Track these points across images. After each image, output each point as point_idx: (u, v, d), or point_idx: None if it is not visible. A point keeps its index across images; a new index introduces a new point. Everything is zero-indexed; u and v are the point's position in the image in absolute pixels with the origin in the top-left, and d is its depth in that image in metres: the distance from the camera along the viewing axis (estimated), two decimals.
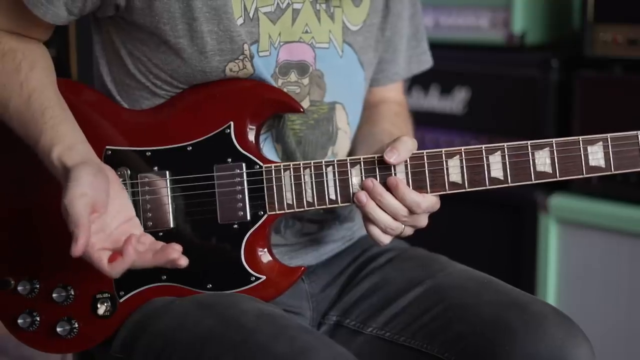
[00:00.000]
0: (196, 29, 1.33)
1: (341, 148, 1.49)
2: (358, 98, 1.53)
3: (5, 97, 1.33)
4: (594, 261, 2.39)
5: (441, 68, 2.59)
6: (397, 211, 1.32)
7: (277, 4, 1.38)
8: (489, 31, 2.59)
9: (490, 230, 2.59)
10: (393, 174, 1.33)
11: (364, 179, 1.34)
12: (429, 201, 1.34)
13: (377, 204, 1.32)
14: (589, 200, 2.38)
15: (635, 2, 2.33)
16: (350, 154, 1.52)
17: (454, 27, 2.65)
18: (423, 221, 1.36)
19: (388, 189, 1.32)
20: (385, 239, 1.35)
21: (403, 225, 1.34)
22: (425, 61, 1.67)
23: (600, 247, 2.37)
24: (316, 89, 1.44)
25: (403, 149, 1.32)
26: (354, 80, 1.50)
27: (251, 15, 1.36)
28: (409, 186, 1.33)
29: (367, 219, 1.34)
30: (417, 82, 2.68)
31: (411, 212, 1.33)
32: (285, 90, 1.40)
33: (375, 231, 1.34)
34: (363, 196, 1.32)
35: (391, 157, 1.31)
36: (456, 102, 2.64)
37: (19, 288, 1.39)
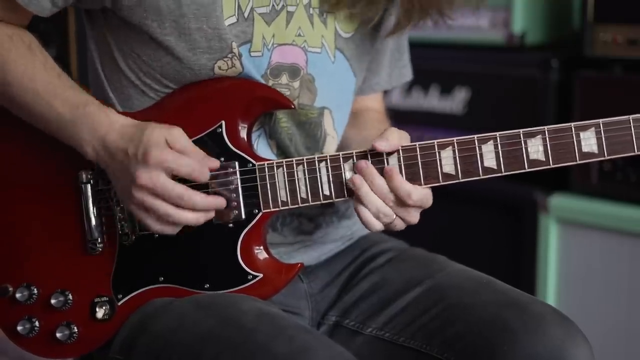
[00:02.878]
0: (184, 25, 1.33)
1: (329, 153, 1.48)
2: (346, 104, 1.52)
3: (30, 74, 1.34)
4: (594, 261, 2.39)
5: (441, 68, 2.62)
6: (387, 196, 1.31)
7: (273, 5, 1.38)
8: (489, 31, 2.59)
9: (490, 230, 2.59)
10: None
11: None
12: (420, 193, 1.32)
13: (369, 187, 1.31)
14: (589, 200, 2.38)
15: (635, 2, 2.33)
16: None
17: (454, 27, 2.65)
18: (414, 216, 1.34)
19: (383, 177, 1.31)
20: (376, 225, 1.32)
21: (394, 215, 1.32)
22: (406, 74, 1.67)
23: (600, 247, 2.37)
24: (306, 93, 1.43)
25: (391, 137, 1.31)
26: (344, 87, 1.50)
27: (246, 15, 1.36)
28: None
29: (359, 202, 1.32)
30: (417, 82, 2.67)
31: (402, 202, 1.31)
32: None
33: (366, 214, 1.32)
34: (358, 179, 1.31)
35: (381, 144, 1.30)
36: (456, 102, 2.64)
37: (18, 295, 1.39)
